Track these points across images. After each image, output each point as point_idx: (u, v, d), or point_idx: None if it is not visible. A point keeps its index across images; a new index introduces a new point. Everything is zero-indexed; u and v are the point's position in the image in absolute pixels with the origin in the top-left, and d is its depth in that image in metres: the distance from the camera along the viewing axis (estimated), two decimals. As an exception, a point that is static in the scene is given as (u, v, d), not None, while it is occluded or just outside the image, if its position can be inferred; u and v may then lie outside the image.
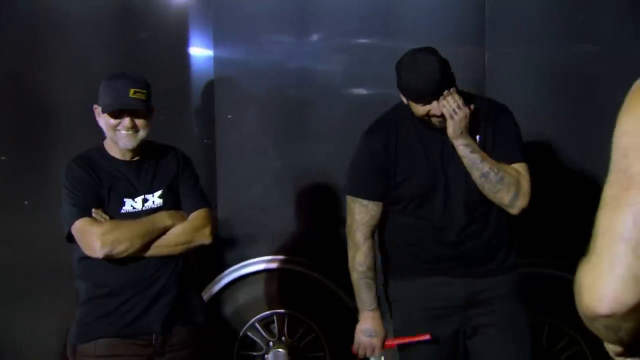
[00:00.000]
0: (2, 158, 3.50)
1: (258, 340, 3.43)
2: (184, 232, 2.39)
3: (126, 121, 2.33)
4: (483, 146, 2.41)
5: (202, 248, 2.51)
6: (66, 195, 2.35)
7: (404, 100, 2.38)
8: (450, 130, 2.34)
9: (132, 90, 2.32)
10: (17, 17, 3.41)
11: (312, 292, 3.38)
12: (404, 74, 2.33)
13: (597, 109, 3.04)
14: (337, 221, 3.32)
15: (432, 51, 2.33)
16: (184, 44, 3.40)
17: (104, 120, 2.37)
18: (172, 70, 3.37)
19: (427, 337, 2.39)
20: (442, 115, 2.34)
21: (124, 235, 2.27)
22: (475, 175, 2.35)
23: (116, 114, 2.32)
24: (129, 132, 2.34)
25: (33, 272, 3.31)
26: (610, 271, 1.02)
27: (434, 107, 2.32)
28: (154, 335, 2.37)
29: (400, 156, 2.44)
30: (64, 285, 2.58)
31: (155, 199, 2.42)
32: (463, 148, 2.35)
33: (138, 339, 2.36)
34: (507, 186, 2.35)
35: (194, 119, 3.44)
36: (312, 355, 3.43)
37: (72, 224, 2.30)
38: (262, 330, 3.43)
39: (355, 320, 2.54)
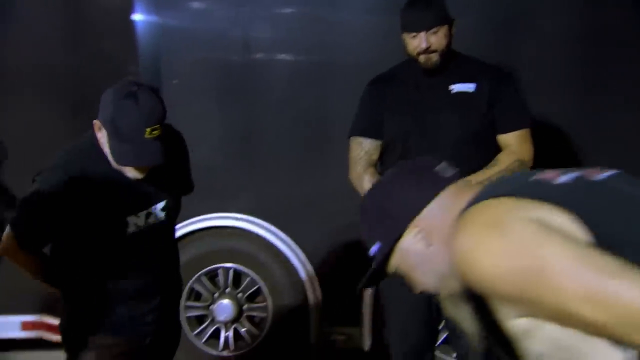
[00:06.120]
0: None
1: (204, 293, 3.64)
2: None
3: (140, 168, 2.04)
4: (476, 95, 2.60)
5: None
6: (26, 201, 2.04)
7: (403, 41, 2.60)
8: None
9: (148, 130, 1.95)
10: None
11: (254, 246, 3.58)
12: (402, 9, 2.59)
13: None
14: (276, 179, 3.54)
15: None
16: (128, 9, 3.50)
17: (109, 150, 2.03)
18: (117, 36, 3.47)
19: None
20: (429, 50, 2.54)
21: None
22: None
23: None
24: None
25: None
26: None
27: (422, 39, 2.52)
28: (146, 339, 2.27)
29: (391, 98, 2.65)
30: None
31: (157, 212, 2.19)
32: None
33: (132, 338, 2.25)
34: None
35: (140, 83, 3.55)
36: (255, 306, 3.66)
37: (10, 229, 2.09)
38: (208, 282, 3.63)
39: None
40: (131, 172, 2.04)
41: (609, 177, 1.18)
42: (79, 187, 2.02)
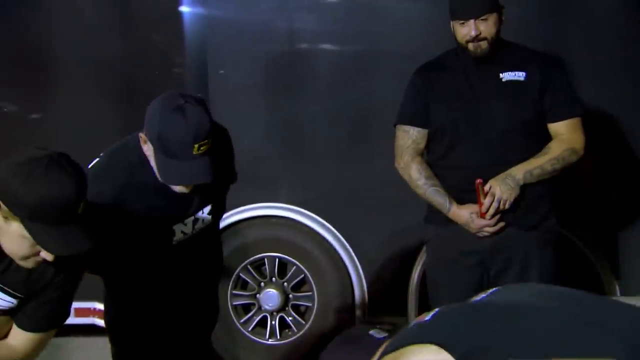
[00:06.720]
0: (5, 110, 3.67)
1: (250, 281, 3.67)
2: None
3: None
4: (527, 83, 2.58)
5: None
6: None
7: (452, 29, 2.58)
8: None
9: (195, 147, 1.88)
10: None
11: (300, 235, 3.59)
12: None
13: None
14: (322, 169, 3.54)
15: None
16: (175, 1, 3.52)
17: (155, 165, 1.98)
18: (164, 27, 3.52)
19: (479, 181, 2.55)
20: (478, 38, 2.52)
21: None
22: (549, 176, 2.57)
23: None
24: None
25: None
26: None
27: (471, 27, 2.50)
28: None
29: (439, 87, 2.64)
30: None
31: (204, 216, 2.16)
32: (525, 179, 2.54)
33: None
34: (570, 161, 2.57)
35: (187, 74, 3.59)
36: (300, 295, 3.69)
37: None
38: (254, 272, 3.66)
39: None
40: (178, 188, 2.01)
41: (487, 296, 1.37)
42: (126, 200, 1.99)
